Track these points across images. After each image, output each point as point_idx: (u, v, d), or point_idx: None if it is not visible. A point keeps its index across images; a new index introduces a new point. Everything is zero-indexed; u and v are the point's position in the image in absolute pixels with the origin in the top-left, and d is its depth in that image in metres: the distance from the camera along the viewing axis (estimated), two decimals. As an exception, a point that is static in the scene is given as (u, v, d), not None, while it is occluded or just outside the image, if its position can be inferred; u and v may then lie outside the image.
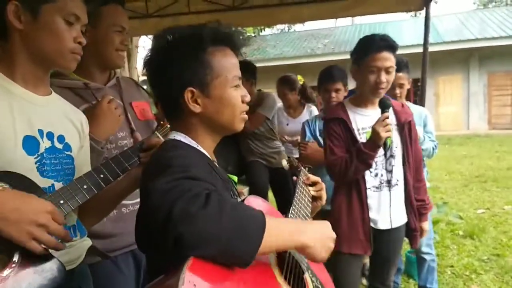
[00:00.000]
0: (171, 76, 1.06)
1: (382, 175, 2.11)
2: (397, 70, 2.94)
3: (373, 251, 2.12)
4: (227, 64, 1.08)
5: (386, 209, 2.10)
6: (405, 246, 3.96)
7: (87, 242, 1.40)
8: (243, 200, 1.17)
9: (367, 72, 2.04)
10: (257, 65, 3.91)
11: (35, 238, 1.00)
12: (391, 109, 2.09)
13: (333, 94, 2.97)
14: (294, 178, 1.50)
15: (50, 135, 1.25)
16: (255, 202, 1.12)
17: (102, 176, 1.26)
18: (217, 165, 1.15)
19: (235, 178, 1.37)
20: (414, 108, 3.04)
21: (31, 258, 1.02)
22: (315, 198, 1.44)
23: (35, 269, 1.01)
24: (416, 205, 2.21)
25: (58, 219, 1.06)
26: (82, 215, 1.37)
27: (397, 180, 2.13)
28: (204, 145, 1.11)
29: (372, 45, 2.04)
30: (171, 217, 0.76)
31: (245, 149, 3.98)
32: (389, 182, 2.10)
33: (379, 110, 2.04)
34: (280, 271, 0.99)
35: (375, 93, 2.07)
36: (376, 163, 2.07)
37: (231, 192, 1.15)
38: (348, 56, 2.27)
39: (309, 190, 1.42)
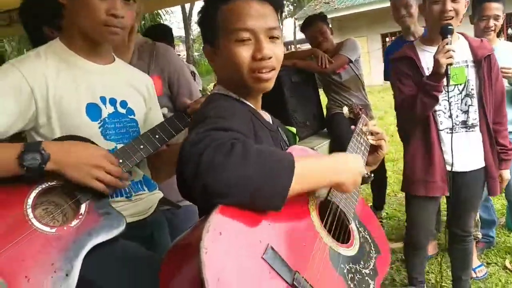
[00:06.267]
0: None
1: (457, 116, 2.02)
2: (493, 0, 2.59)
3: (450, 195, 2.07)
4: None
5: (462, 151, 2.01)
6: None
7: (158, 195, 1.53)
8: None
9: (431, 3, 1.91)
10: (347, 13, 3.64)
11: (97, 178, 1.14)
12: (467, 45, 1.98)
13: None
14: (352, 127, 1.40)
15: (112, 101, 1.35)
16: (301, 152, 1.05)
17: (157, 136, 1.36)
18: (262, 115, 1.15)
19: (294, 130, 1.35)
20: (507, 46, 2.72)
21: (96, 210, 1.15)
22: (375, 148, 1.35)
23: (100, 218, 1.14)
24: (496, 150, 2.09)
25: (113, 161, 1.19)
26: (153, 172, 1.53)
27: (474, 122, 2.02)
28: (245, 97, 1.12)
29: None
30: (198, 168, 0.78)
31: (329, 100, 3.82)
32: (464, 123, 2.02)
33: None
34: (321, 221, 0.96)
35: (442, 25, 1.89)
36: (450, 103, 1.97)
37: (280, 143, 1.16)
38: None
39: (367, 139, 1.33)
